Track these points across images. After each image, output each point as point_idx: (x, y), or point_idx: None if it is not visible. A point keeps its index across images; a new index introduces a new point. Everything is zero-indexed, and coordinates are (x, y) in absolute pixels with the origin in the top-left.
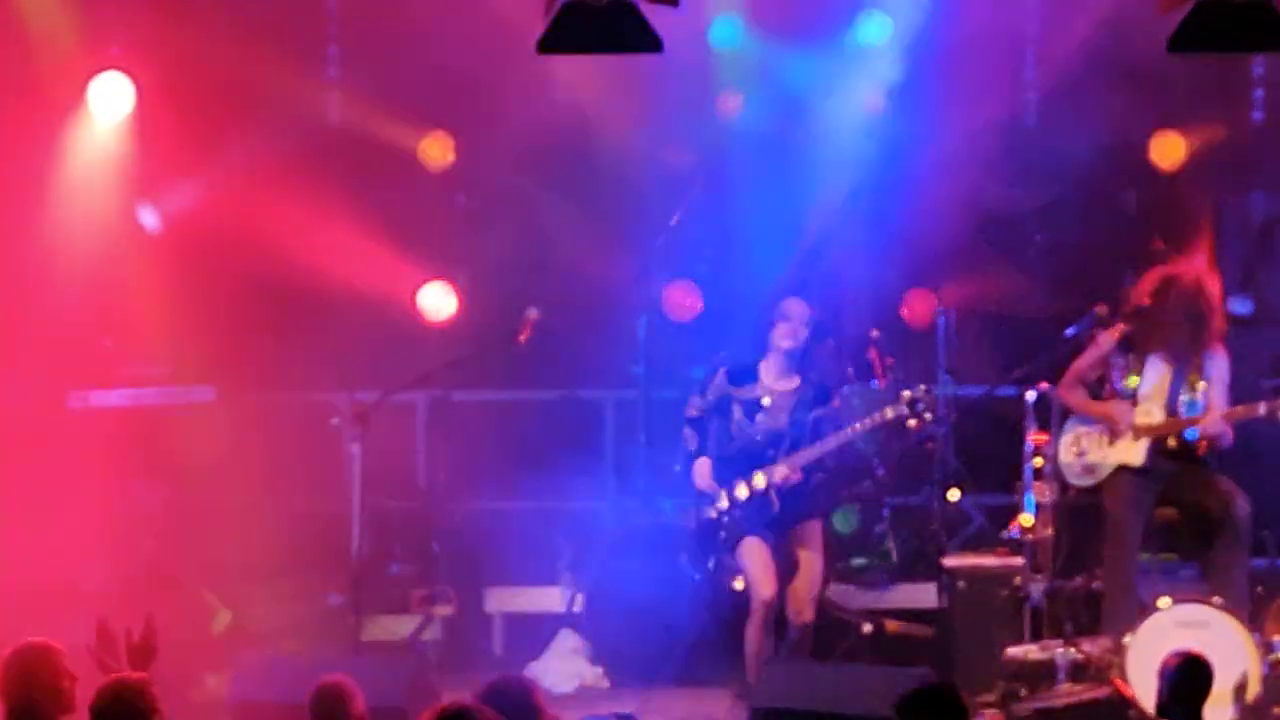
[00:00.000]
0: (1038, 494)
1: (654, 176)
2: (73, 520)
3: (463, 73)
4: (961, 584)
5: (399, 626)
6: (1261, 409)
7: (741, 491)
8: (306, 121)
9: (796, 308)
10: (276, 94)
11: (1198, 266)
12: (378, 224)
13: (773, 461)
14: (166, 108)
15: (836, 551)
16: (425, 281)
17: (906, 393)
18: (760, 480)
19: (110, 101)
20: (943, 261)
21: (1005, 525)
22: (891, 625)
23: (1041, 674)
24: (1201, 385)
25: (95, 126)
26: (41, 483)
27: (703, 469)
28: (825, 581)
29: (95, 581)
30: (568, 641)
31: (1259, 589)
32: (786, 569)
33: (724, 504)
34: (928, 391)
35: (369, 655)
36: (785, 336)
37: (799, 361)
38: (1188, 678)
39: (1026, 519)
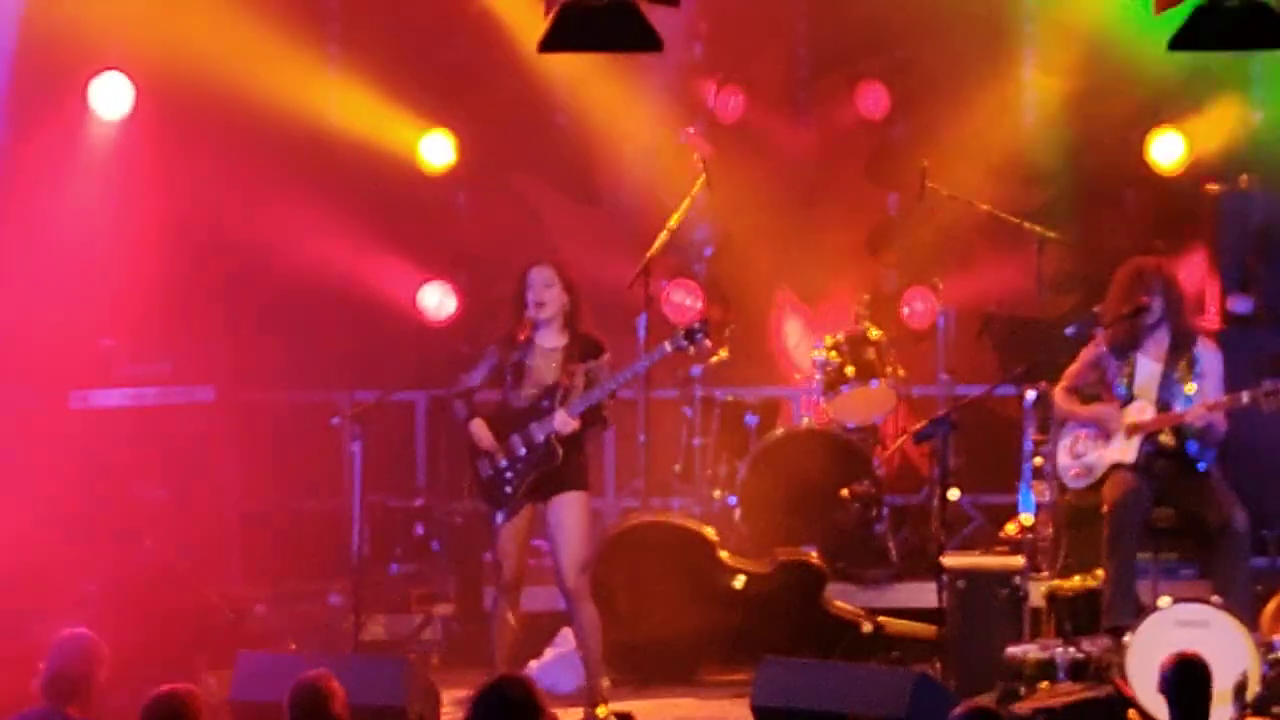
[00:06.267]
0: (1037, 493)
1: (654, 175)
2: (72, 520)
3: (463, 72)
4: (961, 583)
5: (399, 626)
6: (1245, 397)
7: (518, 447)
8: (306, 121)
9: (536, 275)
10: (275, 93)
11: (1164, 257)
12: (378, 223)
13: (549, 412)
14: (166, 108)
15: (835, 551)
16: (425, 281)
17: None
18: (537, 432)
19: (110, 101)
20: (943, 260)
21: (1004, 524)
22: (892, 625)
23: (1041, 673)
24: (1191, 387)
25: (96, 126)
26: (41, 482)
27: (479, 429)
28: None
29: (95, 582)
30: (568, 640)
31: (1258, 588)
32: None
33: (502, 461)
34: (705, 322)
35: (369, 655)
36: (532, 305)
37: (569, 320)
38: (1184, 678)
39: (1026, 518)
